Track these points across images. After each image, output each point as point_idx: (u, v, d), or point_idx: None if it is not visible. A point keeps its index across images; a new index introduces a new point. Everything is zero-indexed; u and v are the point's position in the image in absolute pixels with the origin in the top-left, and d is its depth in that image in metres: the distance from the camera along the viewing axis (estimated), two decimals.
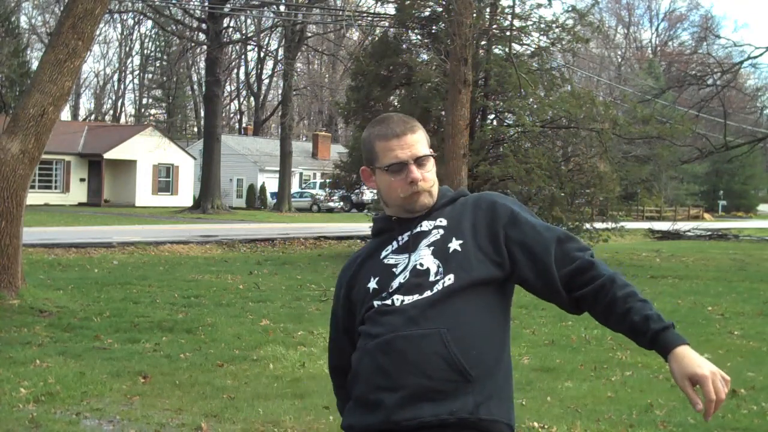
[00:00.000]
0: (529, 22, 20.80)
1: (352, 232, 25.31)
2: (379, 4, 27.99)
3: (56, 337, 8.62)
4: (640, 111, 21.72)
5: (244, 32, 50.34)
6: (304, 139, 67.14)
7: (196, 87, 64.36)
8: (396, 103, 21.90)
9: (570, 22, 21.01)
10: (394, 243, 2.23)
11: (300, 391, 6.49)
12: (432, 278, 2.12)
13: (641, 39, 77.56)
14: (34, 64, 44.96)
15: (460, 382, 2.03)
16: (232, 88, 68.09)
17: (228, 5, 40.14)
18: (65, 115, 59.71)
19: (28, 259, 14.29)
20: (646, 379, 7.11)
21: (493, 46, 20.80)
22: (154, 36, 66.23)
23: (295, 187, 50.82)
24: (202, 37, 42.07)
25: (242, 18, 48.45)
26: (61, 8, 16.82)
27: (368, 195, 32.35)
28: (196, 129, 70.25)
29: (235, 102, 71.37)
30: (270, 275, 15.25)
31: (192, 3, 42.33)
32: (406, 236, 2.22)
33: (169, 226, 28.09)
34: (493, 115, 21.80)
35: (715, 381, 1.95)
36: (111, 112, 71.49)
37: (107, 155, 45.53)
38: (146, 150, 45.37)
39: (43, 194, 42.85)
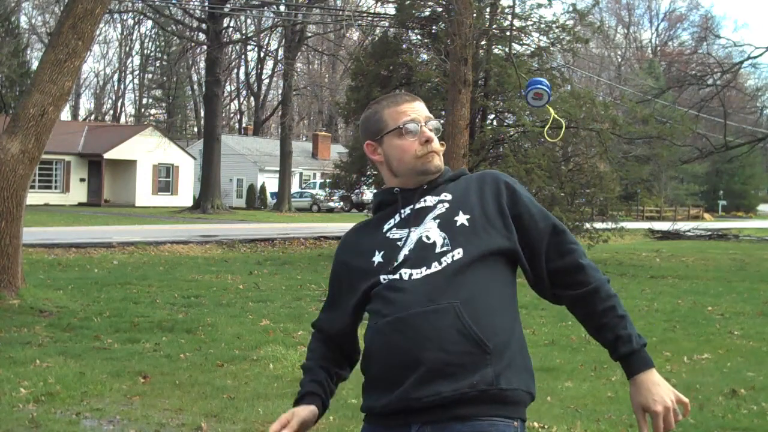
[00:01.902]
0: (529, 22, 20.80)
1: None
2: (379, 4, 27.99)
3: (56, 337, 8.62)
4: (639, 111, 21.72)
5: (244, 32, 50.36)
6: (304, 139, 67.16)
7: (196, 87, 64.37)
8: None
9: (570, 22, 21.02)
10: (397, 216, 2.22)
11: None
12: (438, 250, 2.11)
13: (641, 39, 77.59)
14: (34, 64, 44.97)
15: (478, 354, 1.99)
16: (232, 88, 68.16)
17: (228, 5, 40.14)
18: (65, 115, 59.77)
19: (28, 259, 14.30)
20: None
21: (493, 46, 20.79)
22: (154, 36, 66.32)
23: (295, 187, 50.84)
24: (202, 37, 42.09)
25: (242, 18, 48.48)
26: (61, 8, 16.82)
27: (368, 195, 32.34)
28: (196, 129, 70.25)
29: (235, 102, 71.42)
30: (270, 275, 15.25)
31: (192, 3, 42.36)
32: (408, 210, 2.20)
33: (169, 226, 28.09)
34: (493, 115, 21.80)
35: (667, 416, 2.02)
36: (111, 112, 71.52)
37: (107, 155, 45.54)
38: (146, 150, 45.37)
39: (43, 194, 42.87)
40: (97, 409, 5.90)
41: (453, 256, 2.09)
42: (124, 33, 67.57)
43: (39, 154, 10.44)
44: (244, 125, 67.21)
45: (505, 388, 2.00)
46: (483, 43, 20.37)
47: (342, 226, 29.39)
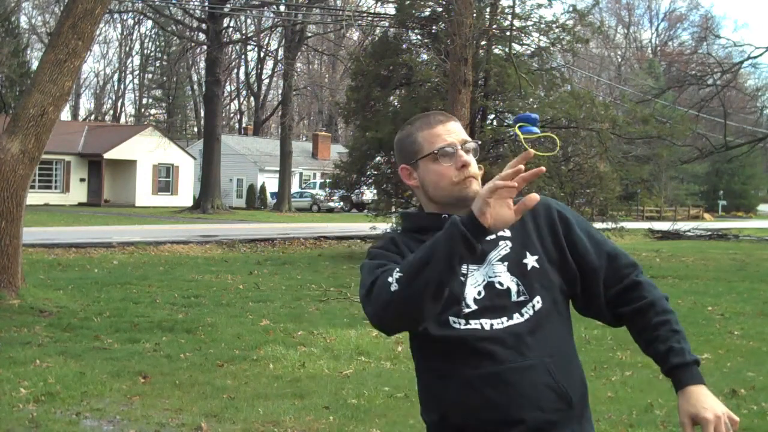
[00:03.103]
0: (529, 22, 20.81)
1: (352, 232, 25.31)
2: (379, 4, 28.04)
3: (56, 337, 8.62)
4: (639, 111, 21.73)
5: (244, 32, 50.35)
6: (304, 139, 67.15)
7: (196, 87, 64.36)
8: (396, 103, 21.91)
9: (570, 22, 21.02)
10: None
11: (300, 391, 6.49)
12: (515, 299, 2.05)
13: (641, 39, 77.60)
14: (34, 64, 44.98)
15: (566, 410, 2.03)
16: (232, 88, 68.16)
17: (228, 5, 40.15)
18: (65, 115, 59.76)
19: (28, 259, 14.30)
20: (646, 379, 7.11)
21: (493, 46, 20.79)
22: (154, 36, 66.34)
23: (295, 187, 50.84)
24: (202, 37, 42.08)
25: (242, 18, 48.47)
26: (61, 8, 16.82)
27: (368, 195, 32.35)
28: (196, 129, 70.26)
29: (235, 102, 71.43)
30: (270, 275, 15.25)
31: (192, 3, 42.36)
32: None
33: (169, 226, 28.09)
34: (493, 115, 21.79)
35: (718, 426, 1.95)
36: (111, 112, 71.51)
37: (107, 155, 45.54)
38: (146, 150, 45.37)
39: (43, 194, 42.86)
40: (97, 409, 5.90)
41: (534, 306, 2.05)
42: (124, 33, 67.66)
43: (39, 154, 10.45)
44: (244, 125, 67.21)
45: None
46: (483, 43, 20.37)
47: (342, 226, 29.41)
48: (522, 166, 1.85)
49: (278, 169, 46.59)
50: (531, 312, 2.04)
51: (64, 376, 6.70)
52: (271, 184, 49.36)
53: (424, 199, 2.17)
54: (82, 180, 46.21)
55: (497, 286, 2.05)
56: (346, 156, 22.50)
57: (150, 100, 72.05)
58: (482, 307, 2.03)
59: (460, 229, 1.84)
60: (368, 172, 21.80)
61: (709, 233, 32.64)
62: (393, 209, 21.54)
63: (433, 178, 2.11)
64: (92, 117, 68.91)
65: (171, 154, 47.84)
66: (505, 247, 2.10)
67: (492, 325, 2.02)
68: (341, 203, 45.60)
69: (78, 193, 45.94)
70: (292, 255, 20.12)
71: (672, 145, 22.53)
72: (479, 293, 2.05)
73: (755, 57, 32.36)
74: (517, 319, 2.03)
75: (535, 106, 20.63)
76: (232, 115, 71.55)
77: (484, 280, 2.06)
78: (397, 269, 1.92)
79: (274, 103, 62.31)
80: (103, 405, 5.99)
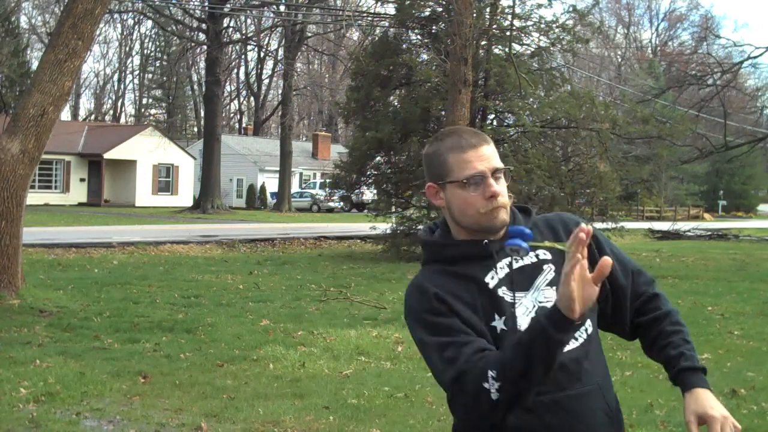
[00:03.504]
0: (529, 22, 20.81)
1: (352, 232, 25.31)
2: (379, 4, 28.02)
3: (56, 337, 8.62)
4: (639, 111, 21.73)
5: (244, 32, 50.36)
6: (304, 139, 67.16)
7: (196, 87, 64.36)
8: (396, 103, 21.91)
9: (570, 22, 21.02)
10: (494, 273, 2.02)
11: (300, 391, 6.49)
12: None
13: (641, 39, 77.59)
14: (34, 64, 44.98)
15: (612, 427, 2.05)
16: (232, 88, 68.17)
17: (228, 5, 40.16)
18: (65, 115, 59.77)
19: (28, 259, 14.30)
20: (646, 379, 7.11)
21: (493, 46, 20.80)
22: (154, 36, 66.35)
23: (295, 187, 50.83)
24: (202, 37, 42.09)
25: (242, 18, 48.47)
26: (61, 8, 16.82)
27: (368, 195, 32.36)
28: (196, 129, 70.27)
29: (235, 102, 71.44)
30: (270, 275, 15.24)
31: (192, 3, 42.37)
32: (506, 266, 2.03)
33: (169, 226, 28.09)
34: (493, 115, 21.80)
35: (724, 425, 1.94)
36: (111, 112, 71.51)
37: (107, 155, 45.54)
38: (146, 150, 45.38)
39: (43, 194, 42.86)
40: (97, 409, 5.90)
41: (587, 330, 2.05)
42: (124, 33, 67.67)
43: (39, 154, 10.45)
44: (244, 125, 67.21)
45: None
46: (483, 43, 20.37)
47: (342, 226, 29.41)
48: (583, 235, 1.78)
49: (278, 169, 46.59)
50: (585, 336, 2.04)
51: (64, 376, 6.70)
52: (271, 184, 49.36)
53: (450, 220, 2.09)
54: (82, 180, 46.21)
55: None
56: (346, 156, 22.49)
57: (150, 100, 72.06)
58: None
59: (556, 338, 1.79)
60: (368, 172, 21.80)
61: (709, 233, 32.64)
62: (393, 209, 21.54)
63: (460, 204, 2.03)
64: (92, 117, 68.93)
65: (171, 154, 47.84)
66: (550, 271, 2.06)
67: None
68: (341, 203, 45.61)
69: (78, 193, 45.93)
70: (292, 255, 20.12)
71: (672, 145, 22.53)
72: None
73: (755, 57, 32.38)
74: (573, 343, 2.00)
75: (535, 107, 20.64)
76: (232, 115, 71.57)
77: (534, 306, 2.01)
78: (492, 374, 1.83)
79: (274, 103, 62.31)
80: (103, 405, 5.99)
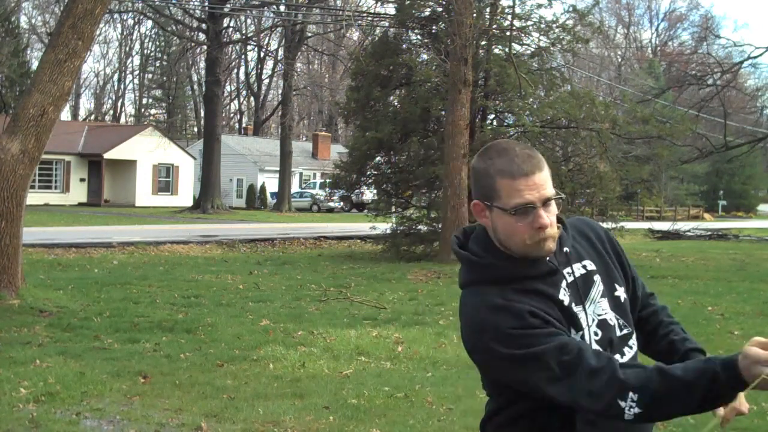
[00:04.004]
0: (529, 22, 20.80)
1: (352, 232, 25.32)
2: (379, 4, 28.01)
3: (56, 337, 8.62)
4: (639, 111, 21.72)
5: (244, 32, 50.37)
6: (304, 139, 67.16)
7: (196, 87, 64.37)
8: (396, 103, 21.92)
9: (570, 22, 21.02)
10: (562, 288, 1.98)
11: (300, 391, 6.49)
12: (619, 333, 2.03)
13: (641, 39, 77.57)
14: (34, 64, 44.98)
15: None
16: (232, 88, 68.19)
17: (228, 5, 40.16)
18: (65, 115, 59.76)
19: (28, 259, 14.30)
20: None
21: (493, 46, 20.80)
22: (154, 36, 66.34)
23: (295, 187, 50.84)
24: (202, 37, 42.10)
25: (242, 18, 48.49)
26: (61, 8, 16.82)
27: (368, 195, 32.36)
28: (196, 129, 70.26)
29: (235, 102, 71.44)
30: (270, 275, 15.24)
31: (192, 3, 42.37)
32: (569, 278, 2.00)
33: (169, 226, 28.09)
34: (493, 115, 21.81)
35: (741, 398, 2.01)
36: (111, 112, 71.51)
37: (107, 155, 45.55)
38: (146, 150, 45.38)
39: (43, 194, 42.86)
40: (97, 409, 5.90)
41: (635, 339, 2.07)
42: (124, 33, 67.65)
43: (39, 154, 10.45)
44: (244, 125, 67.22)
45: None
46: (483, 43, 20.38)
47: (342, 226, 29.41)
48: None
49: (278, 169, 46.59)
50: (634, 346, 2.06)
51: (64, 376, 6.70)
52: (271, 184, 49.37)
53: (495, 240, 2.01)
54: (82, 180, 46.21)
55: (609, 322, 2.00)
56: (346, 156, 22.50)
57: (150, 100, 72.06)
58: (602, 346, 1.97)
59: (730, 395, 1.78)
60: (368, 172, 21.81)
61: (709, 233, 32.64)
62: (393, 209, 21.55)
63: (506, 231, 1.95)
64: (92, 117, 68.92)
65: (171, 154, 47.84)
66: (599, 282, 2.03)
67: None
68: (341, 203, 45.63)
69: (78, 193, 45.94)
70: (292, 255, 20.12)
71: (672, 145, 22.53)
72: (596, 333, 1.98)
73: (755, 57, 32.38)
74: (628, 353, 2.02)
75: (535, 107, 20.64)
76: (232, 115, 71.57)
77: (594, 320, 1.98)
78: (633, 398, 1.77)
79: (274, 103, 62.31)
80: (103, 405, 5.99)
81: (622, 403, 1.77)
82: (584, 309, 1.98)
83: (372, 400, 6.24)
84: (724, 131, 24.04)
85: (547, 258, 1.97)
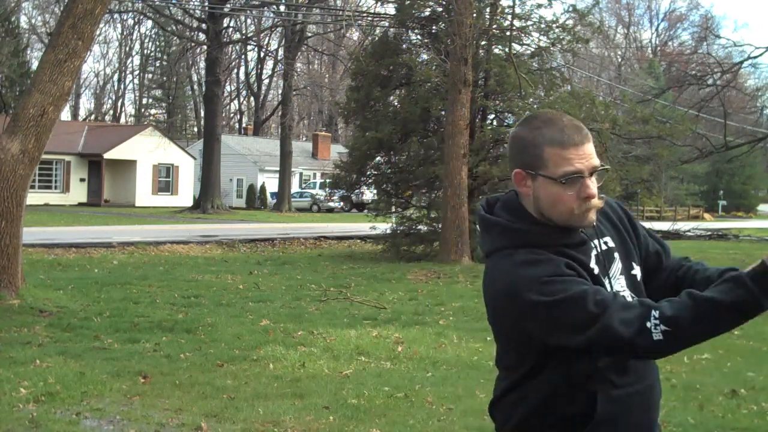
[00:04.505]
0: (529, 22, 20.80)
1: (352, 232, 25.32)
2: (379, 4, 28.02)
3: (56, 337, 8.62)
4: (639, 111, 21.72)
5: (244, 32, 50.38)
6: (304, 139, 67.16)
7: (196, 87, 64.38)
8: (396, 103, 21.92)
9: (570, 22, 21.01)
10: (593, 258, 1.99)
11: (300, 391, 6.49)
12: None
13: (641, 39, 77.57)
14: (34, 64, 44.98)
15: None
16: (232, 88, 68.19)
17: (228, 5, 40.16)
18: (65, 115, 59.76)
19: (28, 259, 14.30)
20: None
21: (493, 46, 20.79)
22: (154, 36, 66.36)
23: (295, 187, 50.84)
24: (202, 37, 42.11)
25: (242, 18, 48.49)
26: (61, 8, 16.82)
27: (368, 195, 32.36)
28: (196, 129, 70.27)
29: (235, 102, 71.44)
30: (270, 275, 15.24)
31: (192, 3, 42.37)
32: (597, 251, 2.01)
33: (169, 226, 28.09)
34: (493, 115, 21.80)
35: None
36: (111, 112, 71.51)
37: (107, 155, 45.56)
38: (146, 150, 45.39)
39: (43, 194, 42.86)
40: (97, 409, 5.90)
41: None
42: (124, 33, 67.66)
43: (39, 154, 10.45)
44: (244, 125, 67.22)
45: None
46: (483, 43, 20.37)
47: (342, 226, 29.41)
48: None
49: (278, 169, 46.60)
50: None
51: (64, 376, 6.70)
52: (271, 184, 49.37)
53: (533, 208, 2.01)
54: (82, 180, 46.22)
55: (628, 299, 1.99)
56: (346, 156, 22.50)
57: (150, 100, 72.07)
58: None
59: (762, 300, 1.76)
60: (368, 172, 21.81)
61: (709, 233, 32.64)
62: (393, 209, 21.56)
63: (551, 201, 1.96)
64: (92, 117, 68.93)
65: (171, 154, 47.85)
66: (618, 260, 2.04)
67: None
68: (341, 203, 45.63)
69: (78, 193, 45.94)
70: (292, 255, 20.12)
71: (672, 145, 22.54)
72: None
73: (755, 57, 32.34)
74: None
75: (535, 106, 20.63)
76: (232, 115, 71.57)
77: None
78: (655, 316, 1.78)
79: (274, 103, 62.31)
80: (103, 405, 5.99)
81: (648, 324, 1.78)
82: (610, 282, 1.99)
83: (372, 400, 6.24)
84: (724, 131, 24.03)
85: (582, 231, 1.98)
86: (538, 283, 1.88)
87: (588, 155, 1.95)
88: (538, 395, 2.00)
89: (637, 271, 2.07)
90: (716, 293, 1.79)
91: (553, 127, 1.96)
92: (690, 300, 1.81)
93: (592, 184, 1.95)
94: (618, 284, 2.01)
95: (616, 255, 2.04)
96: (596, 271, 1.98)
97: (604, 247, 2.03)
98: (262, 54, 54.39)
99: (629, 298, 1.98)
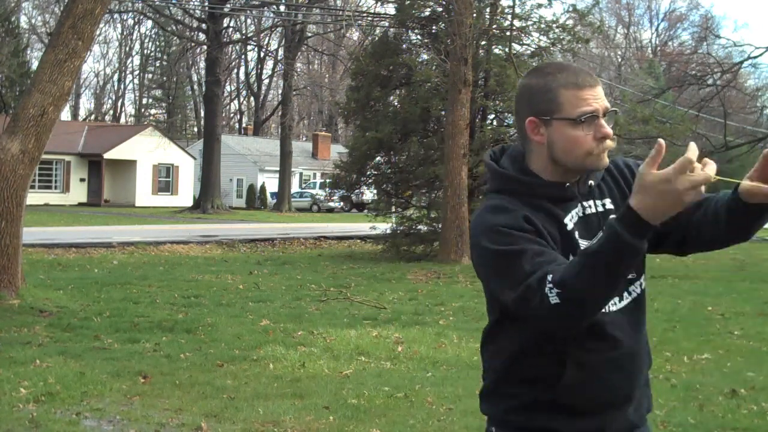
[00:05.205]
0: (529, 22, 20.81)
1: (352, 232, 25.32)
2: (379, 4, 28.03)
3: (56, 337, 8.62)
4: (639, 111, 21.71)
5: (244, 32, 50.38)
6: (304, 139, 67.16)
7: (196, 87, 64.38)
8: (396, 103, 21.92)
9: (570, 22, 21.02)
10: (575, 216, 1.98)
11: (300, 391, 6.49)
12: None
13: (641, 39, 77.54)
14: (34, 64, 44.97)
15: (647, 387, 2.11)
16: (232, 88, 68.17)
17: (228, 5, 40.17)
18: (65, 115, 59.74)
19: (28, 259, 14.30)
20: None
21: (493, 46, 20.80)
22: (154, 36, 66.35)
23: (295, 187, 50.85)
24: (202, 37, 42.13)
25: (242, 18, 48.49)
26: (61, 8, 16.83)
27: (368, 195, 32.35)
28: (196, 129, 70.26)
29: (235, 102, 71.44)
30: (270, 275, 15.25)
31: (192, 3, 42.38)
32: (580, 211, 2.00)
33: (169, 226, 28.09)
34: (493, 115, 21.80)
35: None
36: (111, 112, 71.51)
37: (107, 155, 45.56)
38: (146, 150, 45.40)
39: (43, 194, 42.87)
40: (97, 409, 5.90)
41: (641, 284, 2.03)
42: (124, 33, 67.64)
43: (39, 154, 10.45)
44: (244, 125, 67.22)
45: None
46: (483, 43, 20.38)
47: (342, 226, 29.40)
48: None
49: (278, 169, 46.60)
50: (638, 291, 2.02)
51: (64, 376, 6.70)
52: (271, 184, 49.38)
53: (545, 158, 1.99)
54: (82, 180, 46.23)
55: None
56: (346, 156, 22.50)
57: (150, 100, 72.07)
58: None
59: (637, 247, 1.70)
60: (368, 172, 21.81)
61: None
62: (393, 209, 21.56)
63: (567, 144, 1.95)
64: (92, 117, 68.92)
65: (171, 154, 47.86)
66: None
67: (608, 307, 1.94)
68: (341, 203, 45.63)
69: (78, 193, 45.95)
70: (292, 255, 20.12)
71: (672, 145, 22.48)
72: None
73: (755, 57, 32.33)
74: (626, 299, 1.99)
75: None
76: (232, 115, 71.57)
77: None
78: (549, 280, 1.76)
79: (274, 103, 62.31)
80: (103, 405, 5.99)
81: (545, 288, 1.76)
82: (587, 244, 1.95)
83: (372, 400, 6.24)
84: (724, 131, 24.01)
85: (567, 184, 1.98)
86: (491, 231, 1.90)
87: (601, 97, 1.98)
88: (509, 351, 2.01)
89: None
90: (592, 243, 1.80)
91: (566, 71, 1.99)
92: (575, 257, 1.80)
93: (608, 127, 1.96)
94: None
95: (611, 216, 1.99)
96: (569, 227, 1.96)
97: (600, 209, 2.01)
98: (262, 54, 54.44)
99: None
